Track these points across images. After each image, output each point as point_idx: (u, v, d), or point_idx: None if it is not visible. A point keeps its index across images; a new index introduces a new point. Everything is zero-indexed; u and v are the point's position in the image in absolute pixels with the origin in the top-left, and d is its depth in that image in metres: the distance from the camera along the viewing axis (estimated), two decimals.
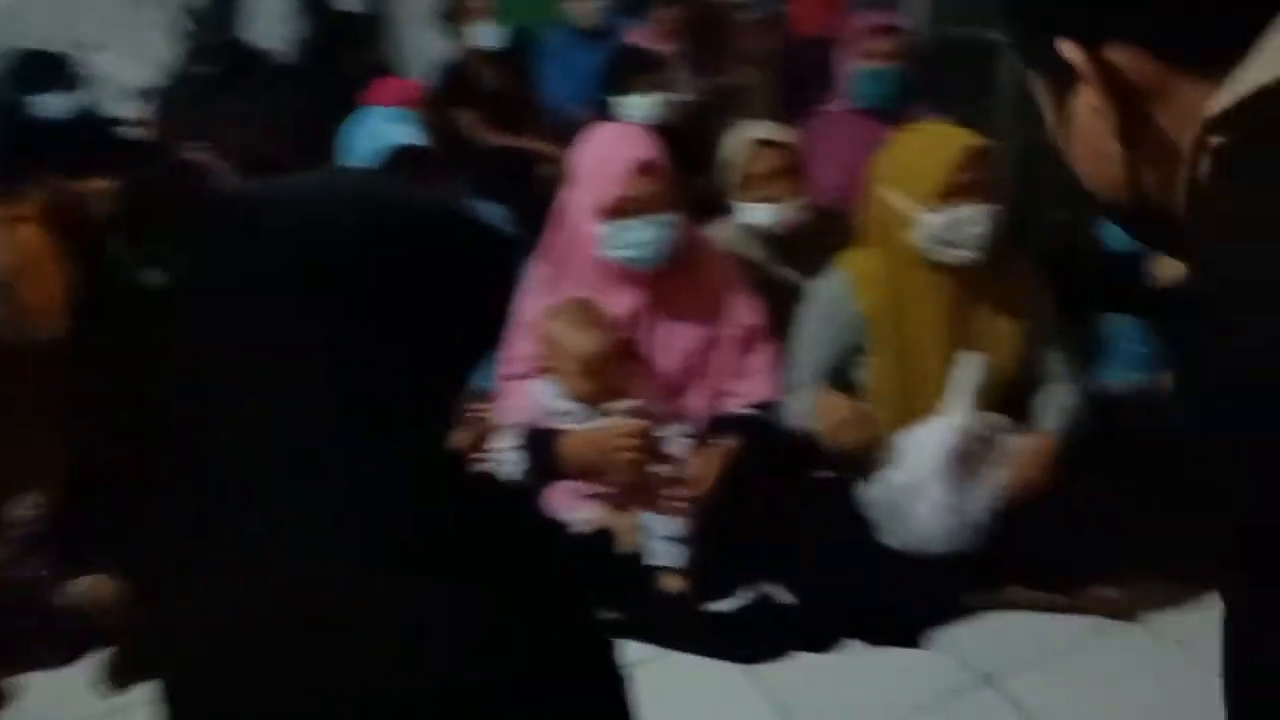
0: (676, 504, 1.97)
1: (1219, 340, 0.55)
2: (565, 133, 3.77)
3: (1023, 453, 1.94)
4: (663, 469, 1.98)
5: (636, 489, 1.96)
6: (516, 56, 4.00)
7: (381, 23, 4.26)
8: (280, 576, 0.77)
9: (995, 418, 1.96)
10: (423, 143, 2.33)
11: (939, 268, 1.94)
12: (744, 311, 2.15)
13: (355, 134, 2.31)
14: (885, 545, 1.95)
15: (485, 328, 0.88)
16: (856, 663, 1.89)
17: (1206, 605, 1.93)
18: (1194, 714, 1.64)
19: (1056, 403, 2.00)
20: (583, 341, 1.93)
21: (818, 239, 2.37)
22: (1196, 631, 1.86)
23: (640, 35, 3.99)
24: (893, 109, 2.78)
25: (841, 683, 1.84)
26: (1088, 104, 0.65)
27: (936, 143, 1.94)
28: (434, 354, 0.81)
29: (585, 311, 1.97)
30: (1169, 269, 2.11)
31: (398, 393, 0.79)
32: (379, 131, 2.28)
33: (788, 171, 2.32)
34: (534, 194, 3.06)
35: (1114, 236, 2.20)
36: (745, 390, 2.12)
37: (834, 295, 2.01)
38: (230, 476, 0.80)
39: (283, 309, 0.77)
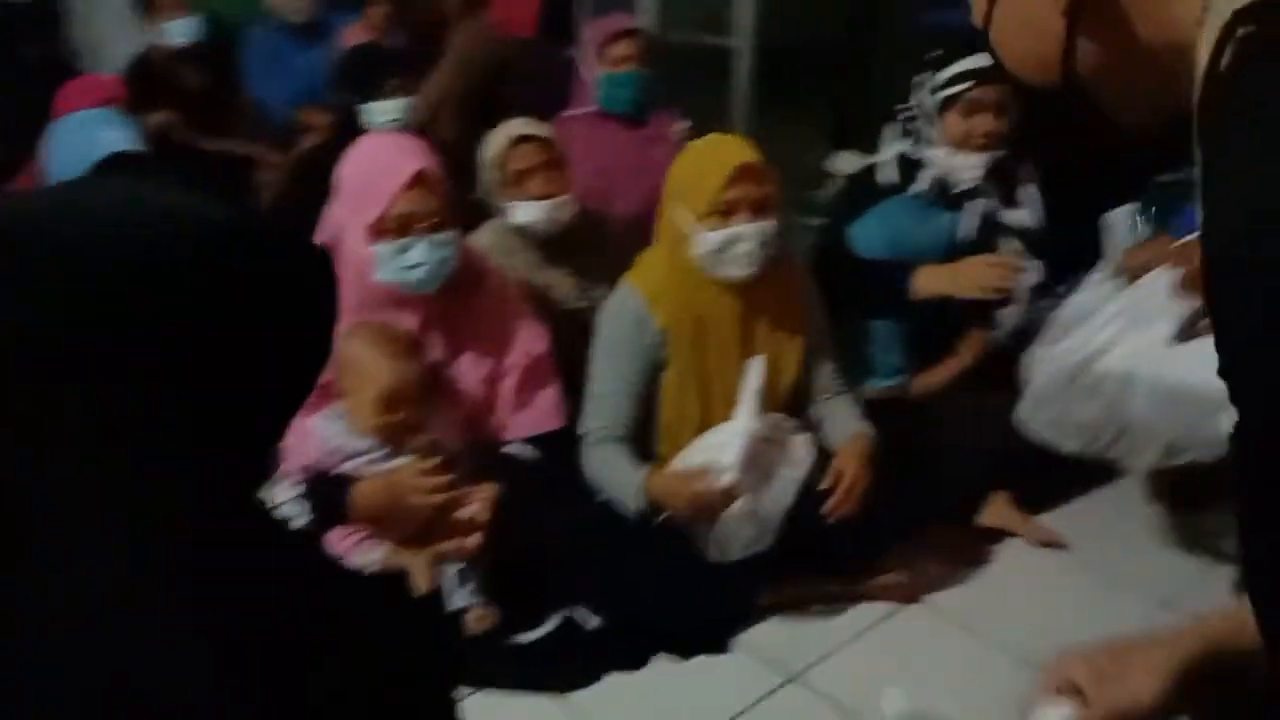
0: (468, 542, 1.87)
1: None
2: (278, 136, 3.54)
3: (845, 456, 1.99)
4: (460, 509, 1.86)
5: (428, 529, 1.84)
6: (216, 52, 3.66)
7: (61, 12, 3.76)
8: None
9: (781, 419, 2.02)
10: (138, 148, 2.08)
11: (719, 282, 1.97)
12: (530, 337, 2.07)
13: (62, 142, 2.01)
14: (684, 556, 1.95)
15: (307, 361, 0.77)
16: (668, 676, 1.88)
17: (976, 584, 2.11)
18: (973, 682, 1.78)
19: (846, 409, 2.08)
20: (387, 372, 1.77)
21: (583, 240, 2.35)
22: (972, 608, 2.01)
23: (354, 32, 3.80)
24: (636, 114, 2.80)
25: (657, 698, 1.83)
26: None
27: (710, 158, 1.96)
28: (249, 396, 0.71)
29: (390, 337, 1.81)
30: (925, 280, 2.25)
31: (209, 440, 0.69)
32: (89, 138, 2.00)
33: (550, 166, 2.27)
34: (254, 204, 2.84)
35: (866, 244, 2.32)
36: (532, 422, 2.05)
37: (632, 314, 1.97)
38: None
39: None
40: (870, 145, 2.50)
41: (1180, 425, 1.81)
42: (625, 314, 1.99)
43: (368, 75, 2.89)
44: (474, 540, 1.84)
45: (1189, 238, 1.95)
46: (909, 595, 2.06)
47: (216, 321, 0.67)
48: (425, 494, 1.78)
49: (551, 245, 2.32)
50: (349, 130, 2.64)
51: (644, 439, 2.02)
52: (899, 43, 3.46)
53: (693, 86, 3.38)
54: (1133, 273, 2.05)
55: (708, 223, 1.92)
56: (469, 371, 1.99)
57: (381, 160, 1.91)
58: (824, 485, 1.96)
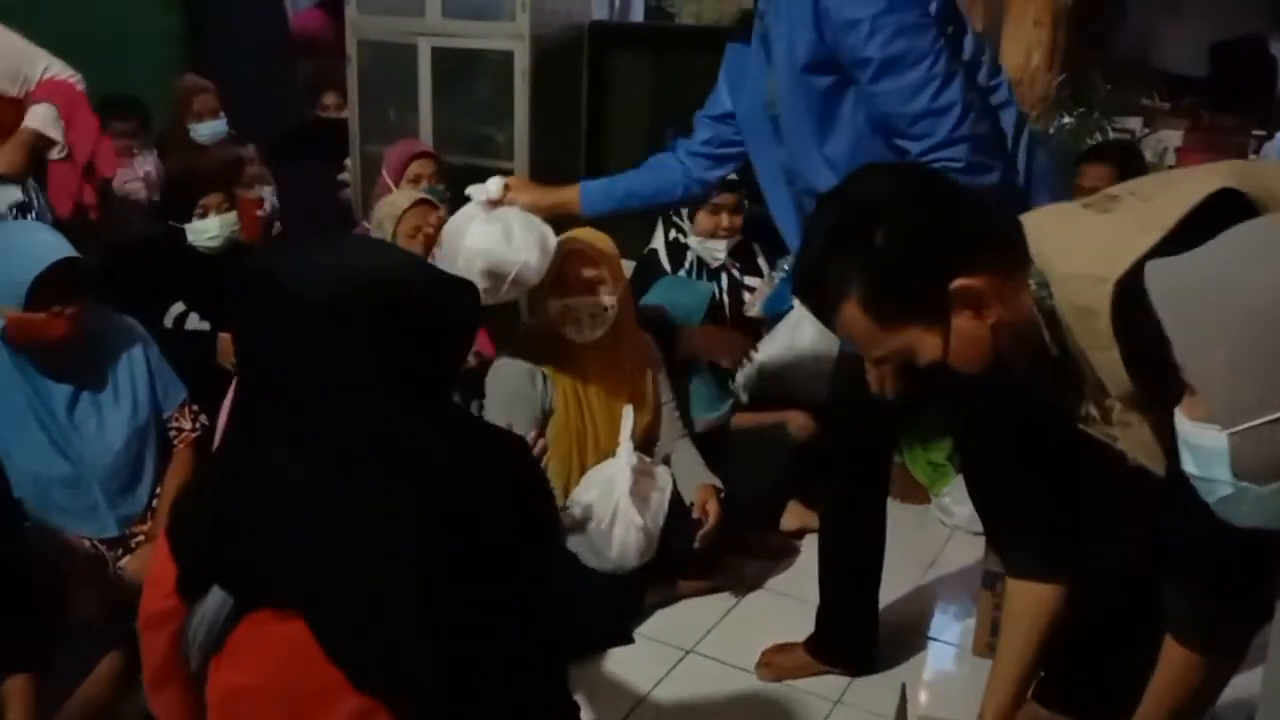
0: None
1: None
2: None
3: (705, 498, 2.50)
4: None
5: None
6: None
7: None
8: None
9: (645, 457, 2.54)
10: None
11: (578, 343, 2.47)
12: None
13: None
14: (588, 571, 2.39)
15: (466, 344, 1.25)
16: (595, 666, 2.30)
17: (795, 569, 2.72)
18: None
19: (690, 456, 2.64)
20: None
21: None
22: (798, 586, 2.61)
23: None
24: None
25: (594, 683, 2.24)
26: (964, 318, 1.24)
27: (562, 244, 2.41)
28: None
29: None
30: (684, 342, 2.89)
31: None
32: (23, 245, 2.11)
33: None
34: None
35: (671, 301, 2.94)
36: None
37: (523, 371, 2.42)
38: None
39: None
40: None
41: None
42: (516, 373, 2.43)
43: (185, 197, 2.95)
44: None
45: None
46: (752, 583, 2.64)
47: (433, 326, 1.13)
48: None
49: None
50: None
51: None
52: None
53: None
54: None
55: (553, 294, 2.42)
56: None
57: None
58: (695, 516, 2.48)
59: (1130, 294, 1.11)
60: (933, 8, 1.80)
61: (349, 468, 1.04)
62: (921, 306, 1.24)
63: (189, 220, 2.87)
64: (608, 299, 2.45)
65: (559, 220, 2.40)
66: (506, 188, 2.28)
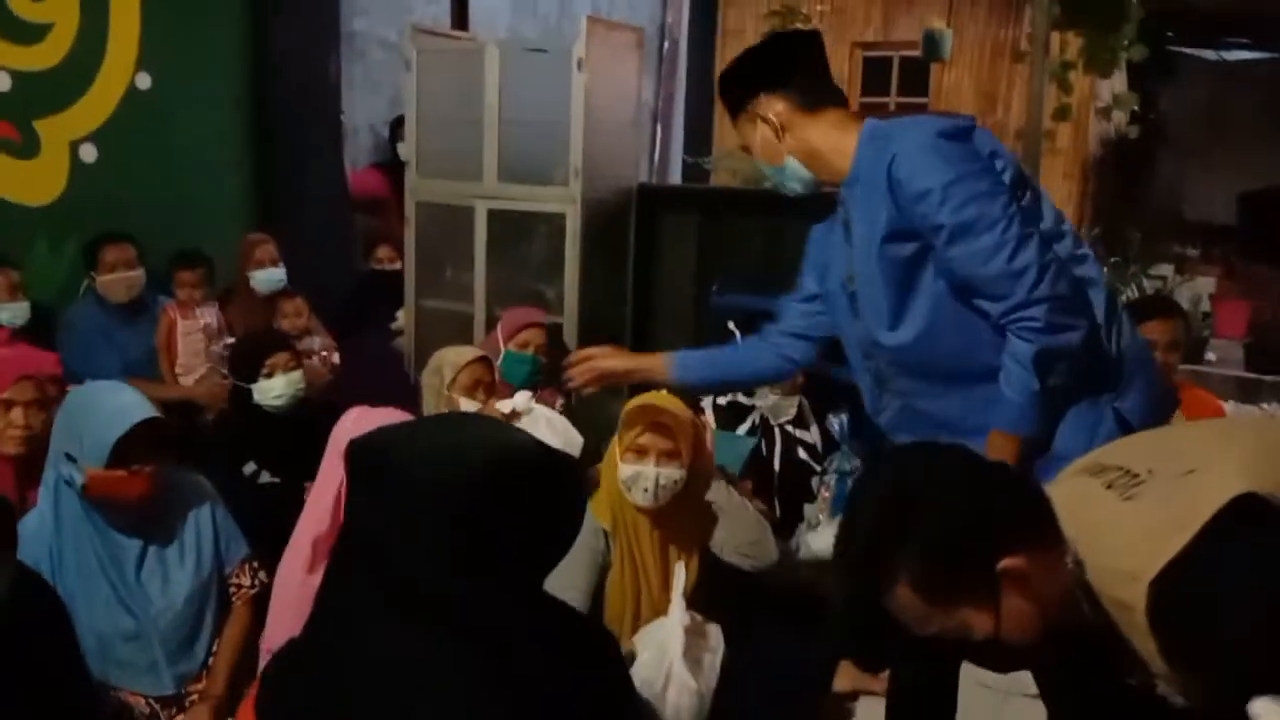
0: None
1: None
2: None
3: None
4: None
5: None
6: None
7: None
8: None
9: (696, 615, 2.53)
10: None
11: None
12: None
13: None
14: None
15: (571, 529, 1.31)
16: None
17: None
18: None
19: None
20: None
21: None
22: None
23: (173, 308, 4.07)
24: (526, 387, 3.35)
25: None
26: (1013, 595, 1.28)
27: (642, 407, 2.49)
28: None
29: None
30: None
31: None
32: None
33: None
34: None
35: None
36: None
37: (589, 527, 2.44)
38: None
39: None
40: None
41: None
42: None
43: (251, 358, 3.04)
44: None
45: None
46: None
47: (542, 507, 1.18)
48: None
49: None
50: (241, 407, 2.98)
51: None
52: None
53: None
54: None
55: (625, 457, 2.47)
56: None
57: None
58: None
59: (1164, 595, 1.17)
60: (1006, 176, 1.90)
61: (442, 646, 1.07)
62: (972, 589, 1.28)
63: (255, 380, 2.96)
64: (679, 473, 2.47)
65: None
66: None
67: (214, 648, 2.30)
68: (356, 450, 1.21)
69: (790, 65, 2.11)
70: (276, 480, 2.87)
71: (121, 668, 2.17)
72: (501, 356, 3.30)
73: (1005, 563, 1.26)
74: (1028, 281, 1.83)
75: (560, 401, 3.36)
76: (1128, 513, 1.27)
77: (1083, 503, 1.33)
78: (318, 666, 1.14)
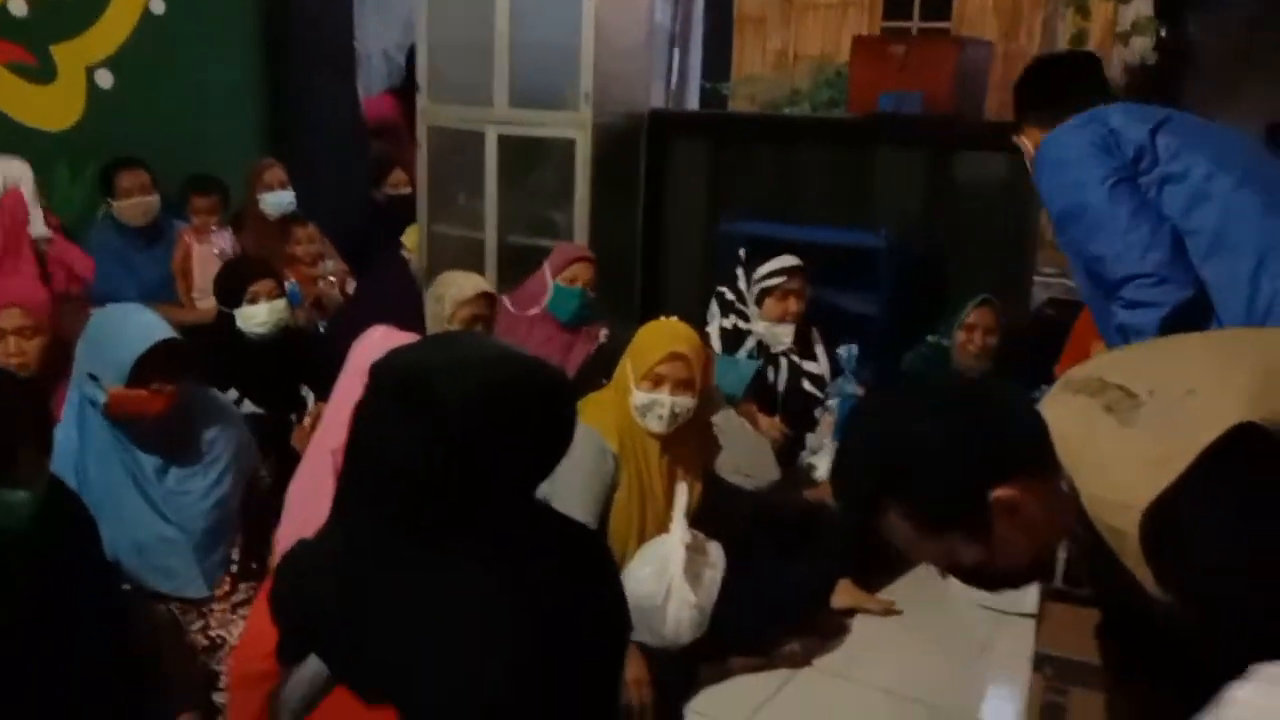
0: None
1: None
2: None
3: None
4: None
5: None
6: None
7: None
8: None
9: (698, 533, 2.61)
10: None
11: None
12: None
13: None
14: (643, 649, 2.45)
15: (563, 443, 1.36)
16: None
17: (845, 648, 2.76)
18: (859, 716, 2.39)
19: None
20: None
21: None
22: (848, 665, 2.65)
23: (188, 233, 4.13)
24: (573, 322, 3.40)
25: None
26: (1006, 524, 1.27)
27: (658, 336, 2.57)
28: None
29: None
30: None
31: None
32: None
33: None
34: None
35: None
36: None
37: (594, 447, 2.51)
38: None
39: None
40: None
41: None
42: (591, 450, 2.52)
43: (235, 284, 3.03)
44: None
45: None
46: (801, 661, 2.68)
47: (553, 430, 1.24)
48: None
49: None
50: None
51: None
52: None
53: None
54: None
55: (641, 385, 2.53)
56: None
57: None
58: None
59: (1156, 526, 1.17)
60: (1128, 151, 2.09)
61: (455, 561, 1.14)
62: (964, 519, 1.28)
63: (239, 305, 2.96)
64: (693, 402, 2.54)
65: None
66: None
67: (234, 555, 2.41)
68: (379, 369, 1.25)
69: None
70: (260, 411, 2.90)
71: (160, 573, 2.27)
72: (550, 290, 3.34)
73: (998, 493, 1.24)
74: (1126, 262, 2.03)
75: (604, 333, 3.41)
76: (1125, 442, 1.25)
77: (1080, 429, 1.30)
78: (331, 573, 1.20)
